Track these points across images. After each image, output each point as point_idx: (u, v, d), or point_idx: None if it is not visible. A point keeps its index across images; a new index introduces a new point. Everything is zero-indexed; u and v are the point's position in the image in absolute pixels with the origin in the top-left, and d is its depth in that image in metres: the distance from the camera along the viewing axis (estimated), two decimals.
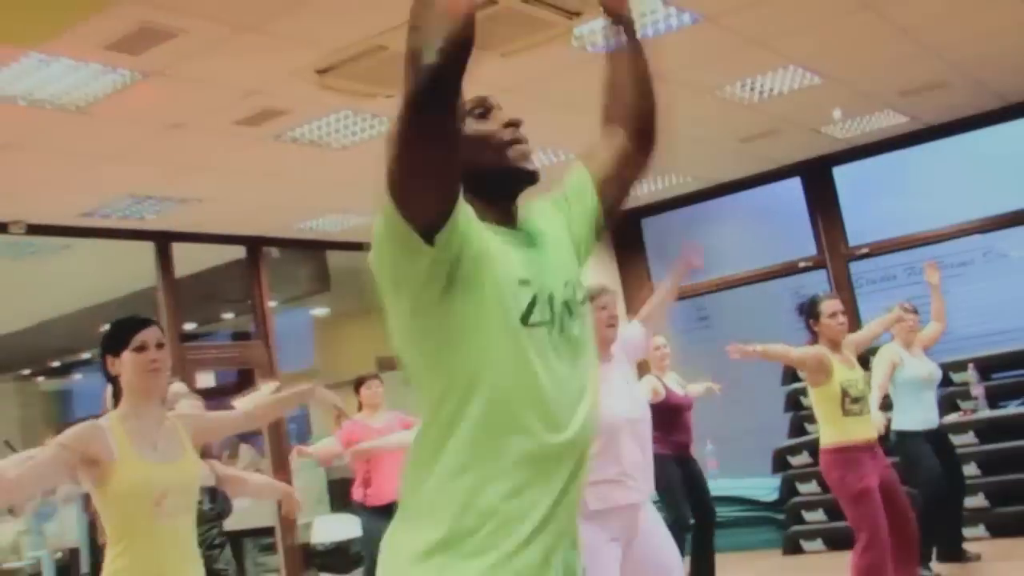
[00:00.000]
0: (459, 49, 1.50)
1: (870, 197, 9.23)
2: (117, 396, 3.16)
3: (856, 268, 9.16)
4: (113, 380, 3.15)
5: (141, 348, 3.10)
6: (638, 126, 2.03)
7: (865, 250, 9.08)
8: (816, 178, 9.25)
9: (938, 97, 7.69)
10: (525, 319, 1.66)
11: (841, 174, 9.18)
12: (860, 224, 9.15)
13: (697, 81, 6.43)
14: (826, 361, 5.05)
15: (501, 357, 1.64)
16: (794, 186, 9.35)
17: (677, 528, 6.62)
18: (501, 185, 1.81)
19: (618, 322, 3.89)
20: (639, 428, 3.81)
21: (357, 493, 6.36)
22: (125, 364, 3.10)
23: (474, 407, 1.63)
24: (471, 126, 1.80)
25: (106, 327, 3.22)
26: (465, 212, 1.63)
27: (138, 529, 2.98)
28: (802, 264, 9.36)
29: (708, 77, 6.42)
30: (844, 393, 5.04)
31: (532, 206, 1.92)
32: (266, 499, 4.37)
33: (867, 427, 5.12)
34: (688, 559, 6.78)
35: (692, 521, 6.56)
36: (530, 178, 1.81)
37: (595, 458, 3.51)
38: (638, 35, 2.09)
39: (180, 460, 3.12)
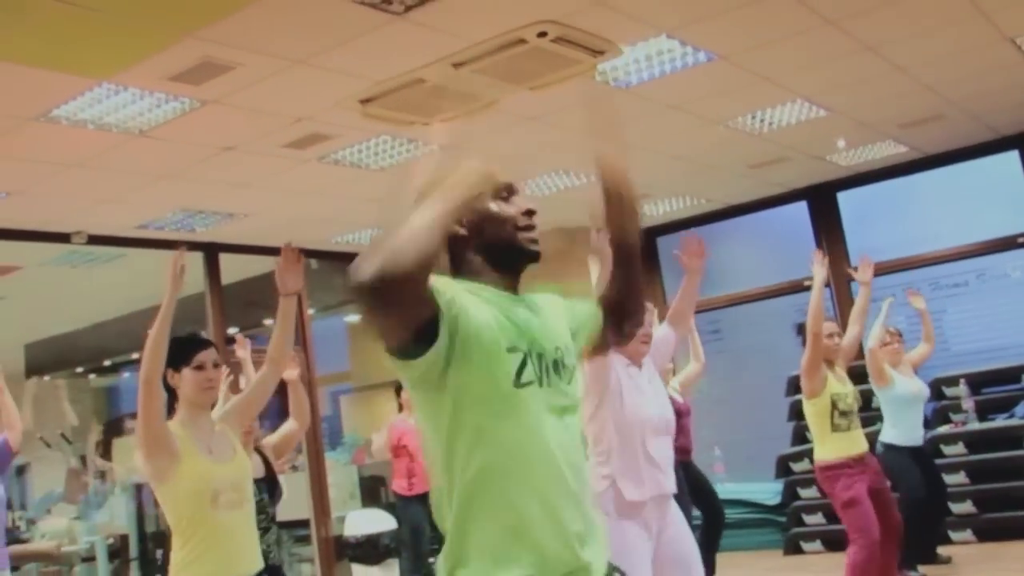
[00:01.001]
0: (393, 282, 1.59)
1: (871, 221, 9.32)
2: (172, 405, 3.35)
3: (856, 287, 9.23)
4: (170, 391, 3.35)
5: (200, 367, 3.30)
6: (620, 323, 2.27)
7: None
8: (821, 202, 9.34)
9: (935, 129, 7.79)
10: (516, 382, 1.81)
11: (845, 198, 9.28)
12: (862, 246, 9.19)
13: (711, 113, 6.57)
14: (822, 374, 5.20)
15: (498, 417, 1.80)
16: (800, 209, 9.44)
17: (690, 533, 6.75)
18: (511, 259, 1.98)
19: (651, 340, 4.01)
20: (666, 426, 3.96)
21: (399, 485, 6.61)
22: (184, 379, 3.29)
23: (479, 459, 1.79)
24: (495, 206, 1.97)
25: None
26: (452, 312, 1.76)
27: (199, 523, 3.16)
28: (807, 283, 9.43)
29: (721, 109, 6.56)
30: (834, 405, 5.17)
31: (538, 288, 2.09)
32: (305, 407, 4.50)
33: (855, 443, 5.25)
34: None
35: (699, 522, 6.71)
36: (535, 259, 1.99)
37: (627, 453, 3.70)
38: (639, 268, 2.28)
39: (232, 461, 3.31)
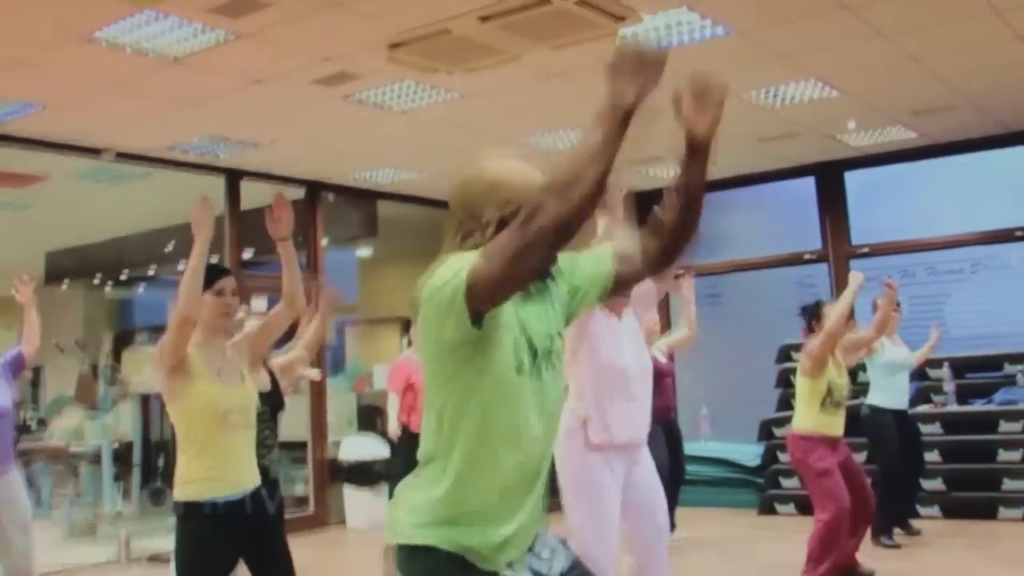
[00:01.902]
0: (582, 218, 1.75)
1: (875, 202, 9.44)
2: None
3: (855, 265, 9.33)
4: None
5: (220, 292, 3.47)
6: (669, 252, 2.18)
7: (865, 250, 9.29)
8: (828, 179, 9.45)
9: (945, 119, 7.89)
10: (519, 370, 1.96)
11: (852, 178, 9.39)
12: (864, 225, 9.37)
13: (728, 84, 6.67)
14: (825, 359, 5.29)
15: (498, 398, 1.94)
16: (807, 185, 9.55)
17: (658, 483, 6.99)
18: None
19: (631, 290, 4.15)
20: (644, 375, 4.12)
21: (403, 417, 6.77)
22: (205, 303, 3.46)
23: (467, 429, 1.95)
24: (516, 190, 2.03)
25: (172, 245, 3.54)
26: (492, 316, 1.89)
27: (206, 440, 3.34)
28: (807, 256, 9.60)
29: (736, 83, 6.64)
30: (829, 393, 5.28)
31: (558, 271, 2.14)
32: (317, 343, 4.67)
33: (837, 426, 5.36)
34: None
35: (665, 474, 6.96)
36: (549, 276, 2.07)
37: (601, 399, 3.86)
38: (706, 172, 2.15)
39: (240, 386, 3.48)
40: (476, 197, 2.03)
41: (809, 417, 5.33)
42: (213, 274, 3.46)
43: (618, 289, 2.25)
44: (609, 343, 3.91)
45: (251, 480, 3.48)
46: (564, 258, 2.07)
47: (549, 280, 2.09)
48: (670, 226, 2.14)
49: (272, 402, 4.21)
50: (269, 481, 3.98)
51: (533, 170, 2.06)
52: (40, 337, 5.61)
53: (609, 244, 2.21)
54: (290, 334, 4.52)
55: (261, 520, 3.53)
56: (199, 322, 3.43)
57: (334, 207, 9.11)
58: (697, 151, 2.10)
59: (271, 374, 4.29)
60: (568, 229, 1.74)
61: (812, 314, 5.51)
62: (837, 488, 5.18)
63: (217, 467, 3.36)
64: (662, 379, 7.09)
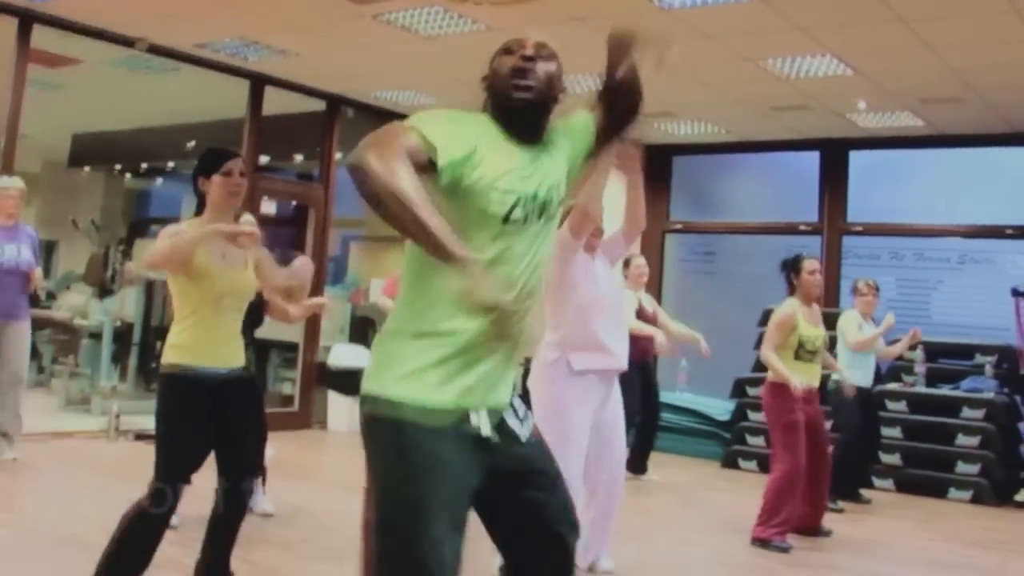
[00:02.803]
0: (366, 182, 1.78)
1: (874, 183, 9.41)
2: (200, 209, 3.58)
3: (847, 242, 9.40)
4: (200, 196, 3.56)
5: (228, 173, 3.49)
6: (614, 126, 2.26)
7: (859, 228, 9.30)
8: (832, 156, 9.42)
9: (953, 110, 7.84)
10: (506, 218, 1.97)
11: (855, 157, 9.35)
12: (861, 204, 9.35)
13: (744, 50, 6.62)
14: (792, 320, 5.29)
15: (481, 242, 1.95)
16: (812, 158, 9.53)
17: (627, 424, 7.10)
18: (503, 108, 2.06)
19: (602, 233, 4.23)
20: (616, 305, 4.21)
21: None
22: (213, 184, 3.48)
23: (442, 292, 1.93)
24: (497, 61, 2.07)
25: (193, 143, 3.60)
26: (458, 159, 1.91)
27: (200, 314, 3.43)
28: (802, 227, 9.60)
29: (754, 49, 6.61)
30: (800, 345, 5.28)
31: (559, 122, 2.17)
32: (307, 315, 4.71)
33: (811, 376, 5.35)
34: (628, 449, 7.29)
35: (638, 419, 7.07)
36: (519, 106, 2.04)
37: (580, 330, 3.95)
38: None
39: (242, 271, 3.54)
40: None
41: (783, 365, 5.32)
42: (222, 156, 3.49)
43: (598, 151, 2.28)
44: (587, 277, 4.02)
45: (235, 359, 3.56)
46: (560, 122, 2.16)
47: (549, 141, 2.13)
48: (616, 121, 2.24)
49: (251, 312, 4.25)
50: (248, 376, 4.07)
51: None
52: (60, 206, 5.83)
53: (587, 112, 2.24)
54: None
55: (235, 400, 3.60)
56: (209, 204, 3.49)
57: (352, 123, 9.08)
58: (615, 90, 2.19)
59: (259, 295, 4.32)
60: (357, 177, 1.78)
61: (792, 268, 5.45)
62: (798, 444, 5.22)
63: (205, 340, 3.44)
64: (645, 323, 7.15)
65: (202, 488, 3.87)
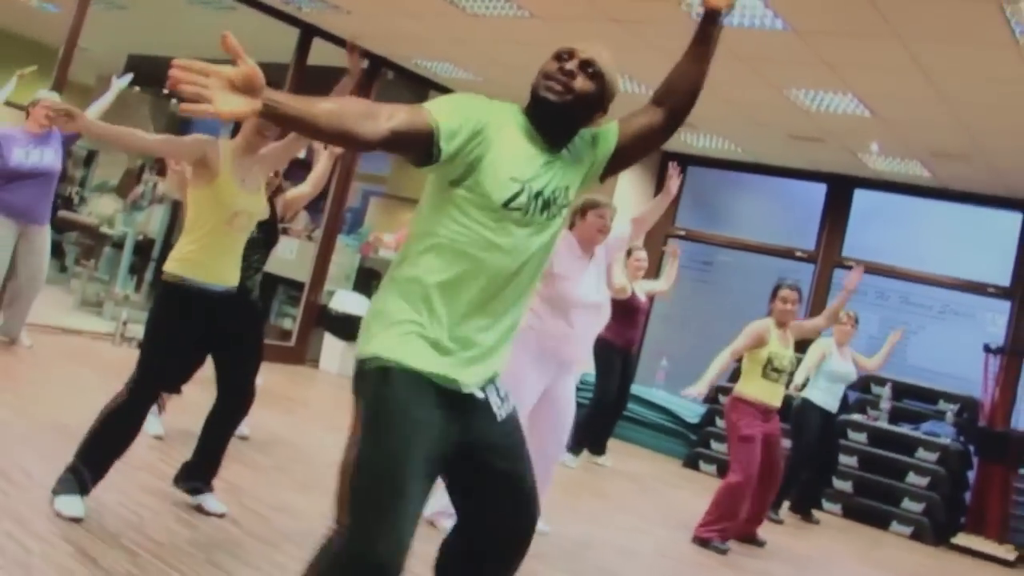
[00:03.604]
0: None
1: (874, 223, 9.36)
2: (235, 131, 3.63)
3: (839, 275, 9.33)
4: (236, 124, 3.60)
5: None
6: (675, 113, 2.21)
7: (852, 263, 9.23)
8: (838, 191, 9.36)
9: (958, 167, 7.78)
10: (506, 204, 1.98)
11: (860, 195, 9.30)
12: (857, 241, 9.31)
13: (772, 76, 6.58)
14: (764, 336, 5.31)
15: (478, 223, 1.98)
16: (818, 189, 9.47)
17: (596, 404, 7.15)
18: (535, 106, 2.07)
19: (608, 231, 4.23)
20: (594, 312, 4.22)
21: None
22: (248, 120, 3.53)
23: (446, 246, 1.99)
24: (547, 64, 2.10)
25: None
26: (463, 143, 1.92)
27: (210, 230, 3.49)
28: (799, 253, 9.57)
29: (781, 77, 6.57)
30: (769, 361, 5.28)
31: (587, 133, 2.17)
32: (323, 179, 4.70)
33: (775, 395, 5.35)
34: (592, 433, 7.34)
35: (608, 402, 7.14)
36: (548, 107, 2.04)
37: (550, 319, 3.99)
38: (716, 43, 2.20)
39: (255, 195, 3.59)
40: None
41: (749, 384, 5.36)
42: None
43: (634, 152, 2.24)
44: (569, 276, 4.05)
45: (234, 279, 3.59)
46: (591, 131, 2.17)
47: (577, 142, 2.14)
48: (682, 100, 2.21)
49: (267, 231, 4.27)
50: (249, 300, 4.10)
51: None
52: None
53: (615, 124, 2.22)
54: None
55: (232, 320, 3.63)
56: (242, 132, 3.53)
57: (390, 85, 9.05)
58: (711, 21, 2.18)
59: (272, 206, 4.35)
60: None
61: (772, 293, 5.47)
62: (752, 457, 5.23)
63: (209, 256, 3.50)
64: (636, 314, 7.19)
65: (191, 404, 3.91)
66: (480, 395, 2.05)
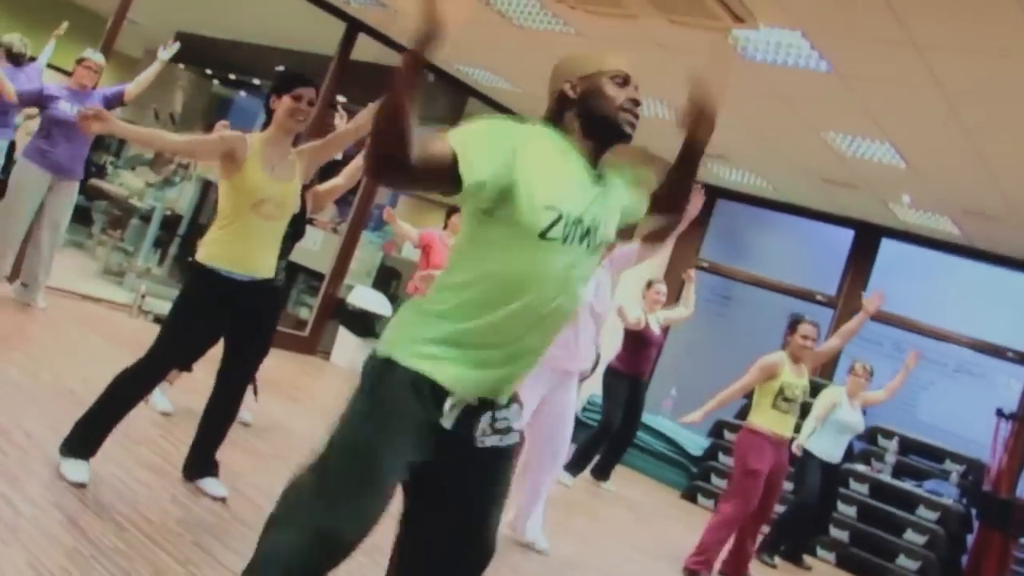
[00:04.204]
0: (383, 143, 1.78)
1: (897, 274, 9.25)
2: (267, 122, 3.63)
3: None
4: (268, 111, 3.62)
5: (297, 98, 3.55)
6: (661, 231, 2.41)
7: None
8: (866, 238, 9.26)
9: (990, 227, 7.68)
10: (543, 234, 1.89)
11: (887, 245, 9.20)
12: (876, 288, 9.20)
13: (810, 118, 6.52)
14: (776, 369, 5.23)
15: (515, 253, 1.91)
16: (845, 234, 9.38)
17: (602, 430, 7.10)
18: (604, 133, 2.04)
19: (613, 246, 4.21)
20: (595, 319, 4.19)
21: (411, 286, 6.82)
22: (282, 104, 3.56)
23: (482, 280, 1.92)
24: (607, 86, 2.03)
25: (281, 67, 3.65)
26: (500, 175, 1.85)
27: (240, 217, 3.51)
28: (819, 297, 9.48)
29: (820, 119, 6.50)
30: (780, 391, 5.18)
31: (621, 168, 2.16)
32: (358, 172, 4.62)
33: (786, 425, 5.25)
34: (600, 455, 7.29)
35: (616, 429, 7.09)
36: (623, 139, 2.05)
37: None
38: (700, 161, 2.24)
39: (286, 183, 3.59)
40: (551, 78, 2.11)
41: (760, 414, 5.26)
42: (296, 80, 3.55)
43: (628, 234, 2.31)
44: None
45: (264, 270, 3.60)
46: (629, 171, 2.19)
47: (618, 180, 2.13)
48: (660, 206, 2.28)
49: (294, 223, 4.26)
50: (275, 288, 4.09)
51: (611, 54, 2.08)
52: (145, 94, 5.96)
53: (647, 202, 2.26)
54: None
55: (252, 310, 3.64)
56: (274, 121, 3.55)
57: (430, 87, 9.05)
58: (690, 155, 2.22)
59: (303, 201, 4.34)
60: (376, 148, 1.77)
61: (789, 326, 5.39)
62: (752, 492, 5.16)
63: (238, 245, 3.53)
64: (648, 347, 7.14)
65: (201, 384, 3.91)
66: (452, 428, 1.94)
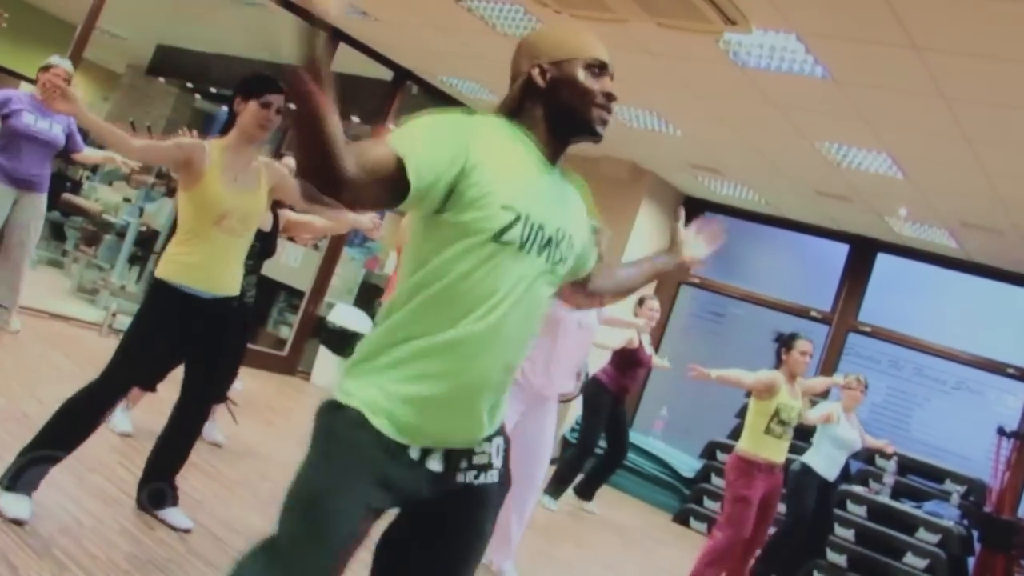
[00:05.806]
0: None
1: (894, 289, 9.05)
2: (228, 128, 3.36)
3: (852, 339, 9.04)
4: (231, 116, 3.35)
5: (266, 105, 3.28)
6: (594, 296, 2.18)
7: (868, 329, 8.94)
8: (861, 253, 9.04)
9: (989, 241, 7.46)
10: (498, 236, 1.67)
11: (883, 260, 8.99)
12: (874, 306, 9.00)
13: (804, 126, 6.30)
14: (776, 386, 5.08)
15: (467, 257, 1.68)
16: (840, 249, 9.17)
17: (582, 448, 6.87)
18: (571, 127, 1.81)
19: (601, 256, 4.04)
20: (582, 330, 4.00)
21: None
22: (248, 110, 3.29)
23: (432, 285, 1.68)
24: (582, 76, 1.80)
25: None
26: (450, 174, 1.64)
27: (200, 231, 3.24)
28: (813, 313, 9.26)
29: (814, 128, 6.29)
30: (776, 413, 5.06)
31: (579, 183, 1.95)
32: (335, 232, 4.41)
33: (778, 451, 5.14)
34: (584, 476, 7.05)
35: (603, 452, 6.85)
36: (593, 138, 1.84)
37: (537, 340, 3.77)
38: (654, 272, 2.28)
39: (250, 194, 3.32)
40: (516, 54, 1.87)
41: (752, 440, 5.11)
42: (265, 85, 3.28)
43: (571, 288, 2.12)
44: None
45: (228, 287, 3.36)
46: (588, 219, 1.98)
47: (577, 194, 1.93)
48: (589, 285, 2.14)
49: (264, 243, 4.06)
50: (242, 303, 3.86)
51: (589, 37, 1.85)
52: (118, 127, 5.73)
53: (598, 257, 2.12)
54: None
55: (215, 329, 3.40)
56: (237, 127, 3.31)
57: (414, 99, 8.84)
58: (652, 274, 2.26)
59: (276, 217, 4.12)
60: (304, 165, 1.57)
61: (785, 343, 5.23)
62: (745, 518, 5.00)
63: (199, 260, 3.27)
64: (638, 367, 6.90)
65: (166, 405, 3.66)
66: (438, 465, 1.75)
